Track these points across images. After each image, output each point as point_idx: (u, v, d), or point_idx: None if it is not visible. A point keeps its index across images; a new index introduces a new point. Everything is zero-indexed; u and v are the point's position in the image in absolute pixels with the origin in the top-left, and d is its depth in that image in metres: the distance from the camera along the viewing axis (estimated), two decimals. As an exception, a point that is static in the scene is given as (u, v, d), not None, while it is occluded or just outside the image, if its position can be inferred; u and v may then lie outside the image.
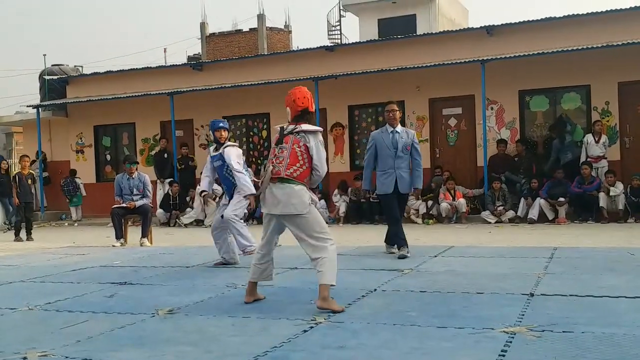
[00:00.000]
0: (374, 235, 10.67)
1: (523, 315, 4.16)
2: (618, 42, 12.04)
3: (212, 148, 7.27)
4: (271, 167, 4.60)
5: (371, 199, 13.18)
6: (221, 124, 7.18)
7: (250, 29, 24.76)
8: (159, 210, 14.29)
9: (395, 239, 7.34)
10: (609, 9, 12.98)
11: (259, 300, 4.85)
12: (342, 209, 13.30)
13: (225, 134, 7.20)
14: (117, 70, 17.85)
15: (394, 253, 7.31)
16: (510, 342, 3.55)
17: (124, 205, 10.04)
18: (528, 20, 13.69)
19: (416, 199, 6.82)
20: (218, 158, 7.09)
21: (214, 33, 25.07)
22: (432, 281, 5.57)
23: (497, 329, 3.81)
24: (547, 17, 13.53)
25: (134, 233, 10.41)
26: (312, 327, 4.03)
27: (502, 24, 13.83)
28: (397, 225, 7.31)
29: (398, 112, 7.41)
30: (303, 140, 4.59)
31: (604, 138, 12.28)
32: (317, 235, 4.51)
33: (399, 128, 7.34)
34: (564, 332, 3.71)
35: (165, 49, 36.49)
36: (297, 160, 4.57)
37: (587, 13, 13.16)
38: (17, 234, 11.71)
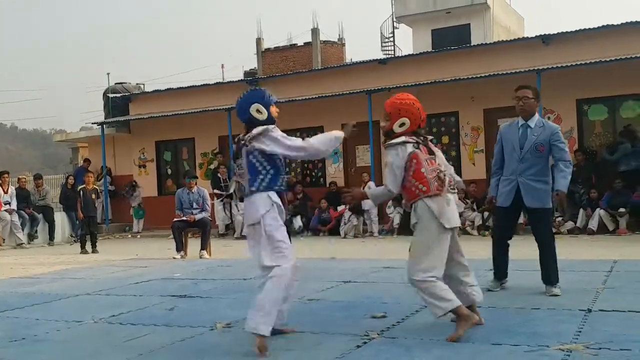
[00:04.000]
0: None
1: (580, 332, 4.12)
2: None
3: None
4: (447, 179, 4.26)
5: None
6: None
7: (305, 43, 25.04)
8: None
9: (495, 267, 5.89)
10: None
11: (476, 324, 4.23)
12: (396, 220, 13.30)
13: None
14: (177, 88, 18.39)
15: (497, 289, 5.83)
16: (566, 360, 3.53)
17: (184, 218, 10.35)
18: (585, 29, 13.42)
19: (560, 205, 4.97)
20: None
21: (269, 48, 25.46)
22: (486, 296, 5.52)
23: (552, 347, 3.78)
24: (604, 25, 13.23)
25: (193, 245, 10.70)
26: (365, 343, 4.08)
27: (558, 33, 13.61)
28: (499, 248, 5.87)
29: (532, 99, 5.56)
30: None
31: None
32: None
33: (533, 121, 5.58)
34: (621, 350, 3.66)
35: (222, 65, 37.20)
36: None
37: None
38: (82, 247, 12.17)
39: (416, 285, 4.15)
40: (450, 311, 4.06)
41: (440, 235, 4.11)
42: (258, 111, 4.24)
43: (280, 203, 4.20)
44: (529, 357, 3.65)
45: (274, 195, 4.17)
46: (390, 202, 13.56)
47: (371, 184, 12.90)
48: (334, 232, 13.83)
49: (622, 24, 12.97)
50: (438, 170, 4.19)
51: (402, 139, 4.24)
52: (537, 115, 5.65)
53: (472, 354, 3.74)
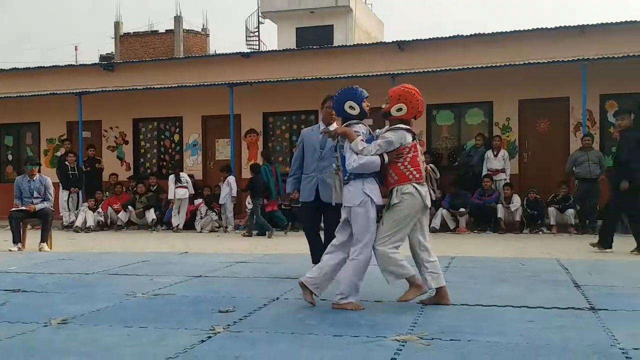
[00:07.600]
0: (284, 243, 10.73)
1: (415, 323, 4.32)
2: (541, 60, 12.68)
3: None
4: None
5: (287, 205, 12.77)
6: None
7: (167, 30, 24.35)
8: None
9: (313, 258, 6.19)
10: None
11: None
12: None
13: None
14: (24, 68, 17.15)
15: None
16: (401, 350, 3.68)
17: (23, 208, 9.66)
18: (438, 37, 14.22)
19: None
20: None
21: (128, 33, 24.47)
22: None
23: (389, 337, 3.94)
24: (453, 35, 14.08)
25: (33, 237, 10.00)
26: (209, 337, 4.02)
27: (413, 40, 14.27)
28: (311, 240, 6.32)
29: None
30: None
31: (502, 152, 12.91)
32: None
33: (333, 126, 6.09)
34: (451, 340, 3.88)
35: (76, 47, 35.11)
36: None
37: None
38: None
39: (381, 254, 4.78)
40: (404, 278, 4.82)
41: (419, 213, 4.81)
42: (351, 107, 4.84)
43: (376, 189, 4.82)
44: (367, 347, 3.76)
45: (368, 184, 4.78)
46: (248, 198, 13.45)
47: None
48: (189, 226, 13.51)
49: (492, 33, 13.89)
50: (423, 162, 4.93)
51: (406, 127, 4.80)
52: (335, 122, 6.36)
53: (314, 346, 3.80)
